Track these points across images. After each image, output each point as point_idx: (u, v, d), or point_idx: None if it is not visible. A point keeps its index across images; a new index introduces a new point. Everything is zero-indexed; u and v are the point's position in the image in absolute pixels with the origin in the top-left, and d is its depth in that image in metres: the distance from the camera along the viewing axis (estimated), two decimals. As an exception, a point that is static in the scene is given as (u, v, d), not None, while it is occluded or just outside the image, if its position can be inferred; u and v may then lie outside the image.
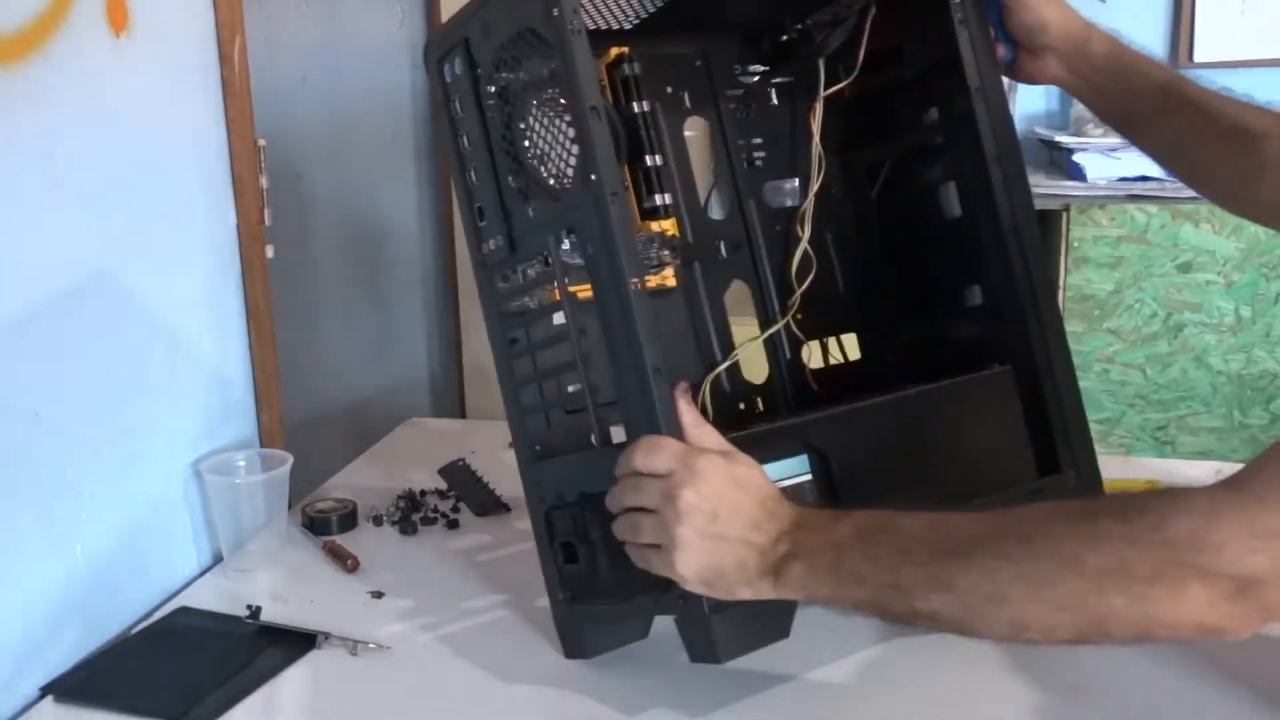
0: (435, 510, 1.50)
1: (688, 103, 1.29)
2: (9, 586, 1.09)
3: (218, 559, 1.37)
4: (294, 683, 1.12)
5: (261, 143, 1.43)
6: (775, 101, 1.35)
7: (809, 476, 1.06)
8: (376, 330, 2.58)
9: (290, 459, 1.36)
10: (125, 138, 1.22)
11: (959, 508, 1.05)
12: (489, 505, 1.51)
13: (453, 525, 1.47)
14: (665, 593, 0.97)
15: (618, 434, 1.01)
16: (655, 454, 0.93)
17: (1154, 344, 2.46)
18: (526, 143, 1.06)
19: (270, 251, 1.46)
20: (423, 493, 1.55)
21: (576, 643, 1.13)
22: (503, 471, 1.62)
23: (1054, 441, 1.22)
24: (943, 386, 1.19)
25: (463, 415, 2.57)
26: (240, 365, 1.45)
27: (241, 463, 1.37)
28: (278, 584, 1.31)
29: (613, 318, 0.97)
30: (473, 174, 1.12)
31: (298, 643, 1.17)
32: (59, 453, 1.15)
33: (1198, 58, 2.78)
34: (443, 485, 1.58)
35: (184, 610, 1.26)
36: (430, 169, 2.54)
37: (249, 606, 1.23)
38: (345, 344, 2.57)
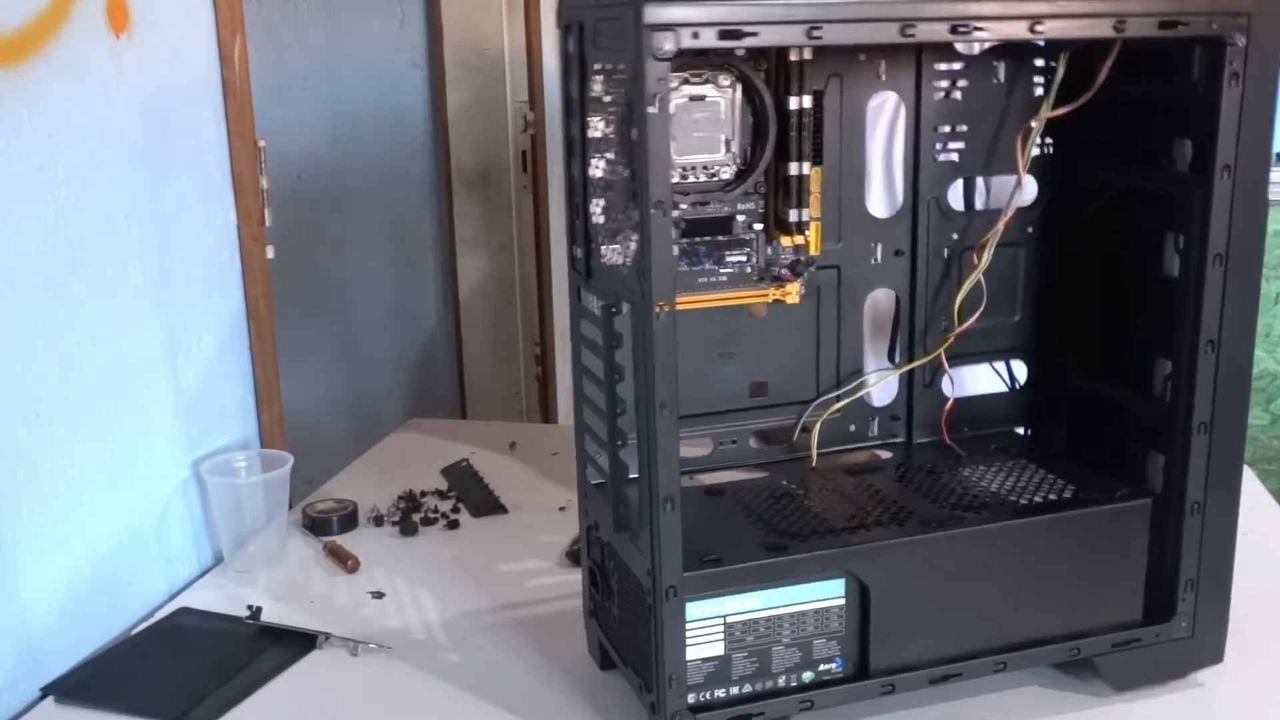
0: (435, 511, 1.50)
1: (881, 73, 1.08)
2: (10, 587, 1.09)
3: (218, 559, 1.37)
4: (294, 683, 1.12)
5: (261, 143, 1.43)
6: (1000, 79, 1.11)
7: (841, 601, 0.99)
8: (376, 331, 2.58)
9: (290, 459, 1.36)
10: (125, 138, 1.22)
11: (1017, 649, 1.01)
12: (488, 506, 1.52)
13: (453, 525, 1.47)
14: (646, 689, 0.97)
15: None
16: None
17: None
18: (600, 173, 0.94)
19: (270, 251, 1.46)
20: (423, 493, 1.55)
21: (593, 645, 1.13)
22: (503, 472, 1.62)
23: (1176, 585, 1.04)
24: (1049, 520, 1.02)
25: (463, 415, 2.57)
26: (240, 365, 1.45)
27: (242, 463, 1.37)
28: (278, 584, 1.31)
29: (638, 379, 0.90)
30: (574, 166, 0.98)
31: (298, 643, 1.17)
32: (59, 453, 1.15)
33: None
34: (443, 486, 1.58)
35: (184, 611, 1.26)
36: (431, 169, 2.54)
37: (249, 607, 1.23)
38: (345, 344, 2.57)
